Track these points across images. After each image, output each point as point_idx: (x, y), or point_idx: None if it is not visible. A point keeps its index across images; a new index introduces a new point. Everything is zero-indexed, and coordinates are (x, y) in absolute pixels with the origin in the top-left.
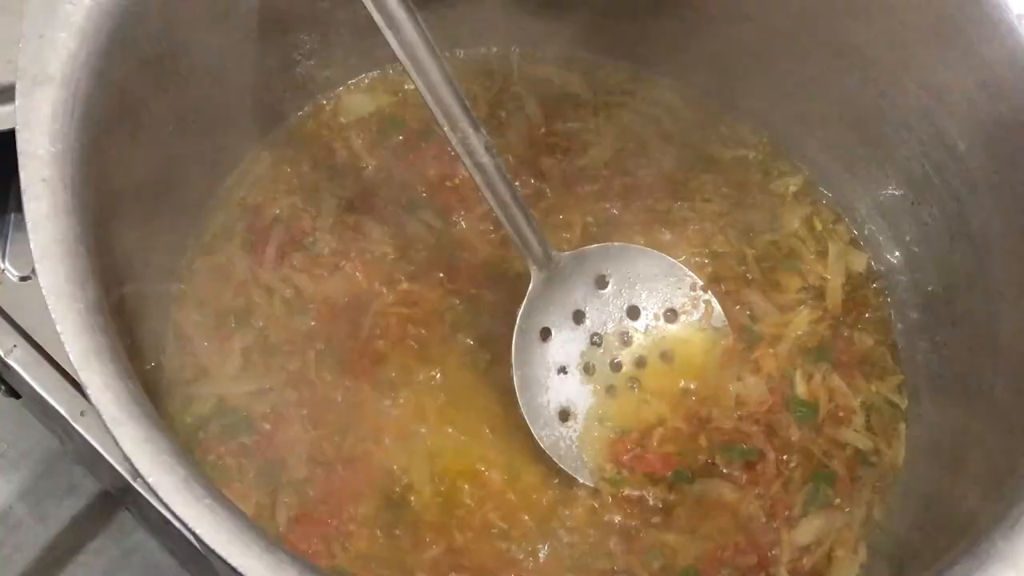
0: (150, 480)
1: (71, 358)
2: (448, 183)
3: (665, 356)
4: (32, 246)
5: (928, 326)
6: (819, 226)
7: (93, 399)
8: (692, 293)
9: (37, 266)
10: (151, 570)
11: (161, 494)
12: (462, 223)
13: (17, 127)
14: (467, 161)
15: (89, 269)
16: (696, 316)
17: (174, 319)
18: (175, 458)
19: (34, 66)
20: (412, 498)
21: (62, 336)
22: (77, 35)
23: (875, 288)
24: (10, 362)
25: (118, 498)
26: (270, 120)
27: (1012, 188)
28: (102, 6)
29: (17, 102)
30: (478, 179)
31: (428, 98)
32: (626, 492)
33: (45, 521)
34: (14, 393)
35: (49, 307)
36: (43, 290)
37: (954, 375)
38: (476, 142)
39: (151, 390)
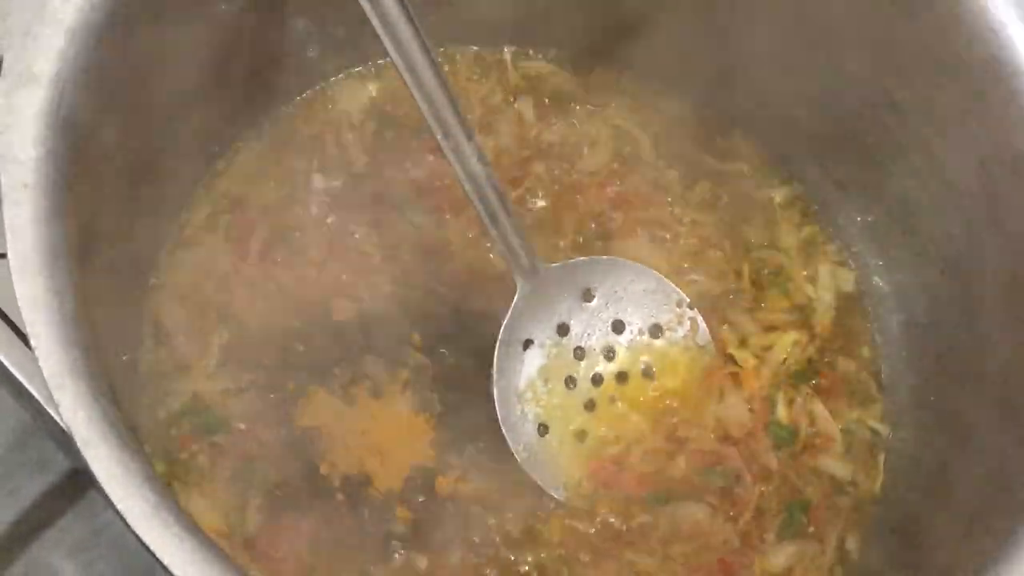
0: (119, 507)
1: (44, 375)
2: (438, 183)
3: (647, 372)
4: (10, 255)
5: (913, 355)
6: (810, 244)
7: (65, 419)
8: (678, 310)
9: (15, 275)
10: (119, 550)
11: (130, 521)
12: (451, 225)
13: None
14: (458, 169)
15: (69, 278)
16: (681, 333)
17: (152, 311)
18: (146, 483)
19: (19, 65)
20: (388, 507)
21: (36, 351)
22: (65, 33)
23: (861, 314)
24: None
25: (88, 478)
26: (260, 110)
27: (1009, 227)
28: (92, 2)
29: None
30: (468, 188)
31: (422, 104)
32: (601, 510)
33: (15, 495)
34: None
35: (24, 320)
36: (19, 300)
37: (938, 407)
38: (468, 151)
39: (126, 383)
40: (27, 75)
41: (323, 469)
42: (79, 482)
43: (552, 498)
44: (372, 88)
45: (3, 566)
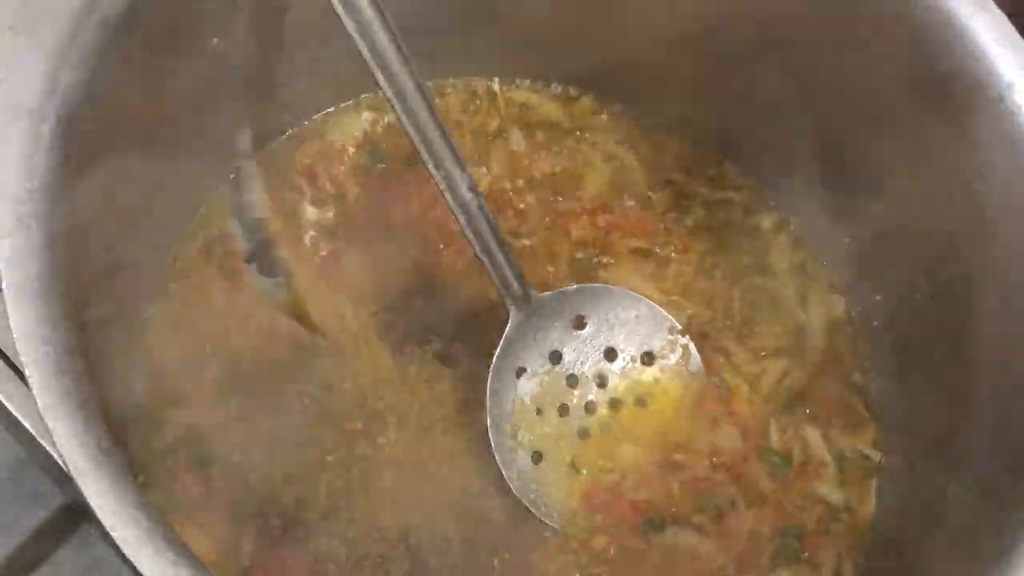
0: (114, 533)
1: (38, 404)
2: (431, 214)
3: (640, 400)
4: (4, 286)
5: (904, 380)
6: (800, 270)
7: (59, 447)
8: (670, 337)
9: (9, 307)
10: None
11: (124, 548)
12: (443, 255)
13: None
14: (450, 200)
15: (62, 309)
16: (673, 360)
17: (147, 343)
18: (139, 510)
19: (12, 98)
20: (382, 537)
21: (30, 380)
22: (58, 66)
23: (852, 339)
24: None
25: (82, 511)
26: (252, 144)
27: (996, 251)
28: (85, 39)
29: None
30: (460, 218)
31: (414, 136)
32: (596, 538)
33: (9, 529)
34: None
35: (19, 350)
36: (13, 332)
37: (929, 431)
38: (460, 182)
39: (120, 414)
40: (21, 109)
41: (318, 499)
42: (73, 516)
43: (547, 526)
44: (364, 120)
45: None
